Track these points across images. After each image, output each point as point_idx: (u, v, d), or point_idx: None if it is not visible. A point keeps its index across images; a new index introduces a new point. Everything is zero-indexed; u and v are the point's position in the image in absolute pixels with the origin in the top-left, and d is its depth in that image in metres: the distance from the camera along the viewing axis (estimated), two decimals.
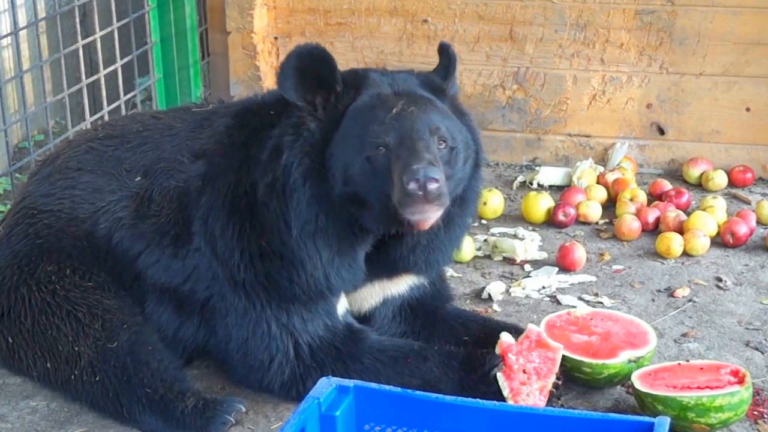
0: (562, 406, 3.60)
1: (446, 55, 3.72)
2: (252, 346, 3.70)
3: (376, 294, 3.88)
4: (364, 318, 3.91)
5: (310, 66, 3.50)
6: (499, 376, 3.53)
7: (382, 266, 3.76)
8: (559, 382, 3.60)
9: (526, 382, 3.51)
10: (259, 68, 5.73)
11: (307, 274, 3.58)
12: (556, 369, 3.57)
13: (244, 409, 3.62)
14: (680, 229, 4.82)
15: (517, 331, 3.74)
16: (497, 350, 3.58)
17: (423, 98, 3.56)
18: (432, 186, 3.28)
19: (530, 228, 5.04)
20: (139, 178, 3.90)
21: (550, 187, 5.46)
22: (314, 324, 3.68)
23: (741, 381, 3.54)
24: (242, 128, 3.74)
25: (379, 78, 3.62)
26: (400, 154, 3.36)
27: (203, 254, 3.73)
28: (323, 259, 3.57)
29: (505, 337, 3.59)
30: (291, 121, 3.56)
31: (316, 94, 3.53)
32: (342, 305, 3.79)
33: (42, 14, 5.79)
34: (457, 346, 3.77)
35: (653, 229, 4.94)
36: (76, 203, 3.93)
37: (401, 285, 3.89)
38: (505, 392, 3.50)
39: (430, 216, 3.38)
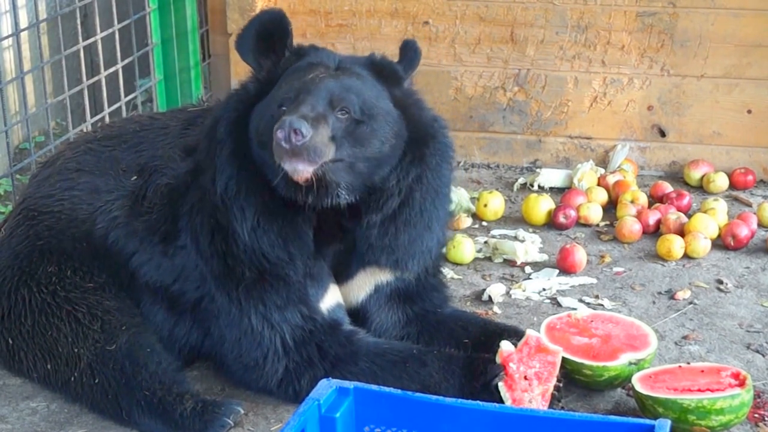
0: (562, 408, 3.60)
1: (412, 50, 3.72)
2: (244, 345, 3.71)
3: (368, 282, 3.87)
4: (361, 315, 3.90)
5: (269, 30, 3.60)
6: (501, 386, 3.51)
7: (358, 257, 3.76)
8: (560, 385, 3.60)
9: (528, 389, 3.50)
10: None
11: (239, 243, 3.58)
12: (557, 372, 3.56)
13: (242, 412, 3.61)
14: (681, 232, 4.81)
15: (517, 334, 3.73)
16: (498, 359, 3.57)
17: (351, 72, 3.60)
18: (295, 138, 3.28)
19: (531, 230, 5.03)
20: (134, 177, 3.93)
21: (551, 189, 5.45)
22: (290, 313, 3.67)
23: (742, 384, 3.53)
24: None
25: (329, 53, 3.71)
26: (290, 105, 3.44)
27: (189, 252, 3.75)
28: (249, 223, 3.57)
29: (506, 346, 3.57)
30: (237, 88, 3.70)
31: (268, 57, 3.63)
32: (333, 297, 3.78)
33: (43, 15, 5.80)
34: (457, 349, 3.76)
35: (654, 232, 4.93)
36: (75, 204, 3.94)
37: (388, 272, 3.88)
38: (507, 402, 3.47)
39: (299, 168, 3.36)
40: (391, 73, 3.67)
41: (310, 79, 3.50)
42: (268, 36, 3.61)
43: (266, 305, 3.66)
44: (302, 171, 3.36)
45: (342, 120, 3.45)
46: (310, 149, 3.32)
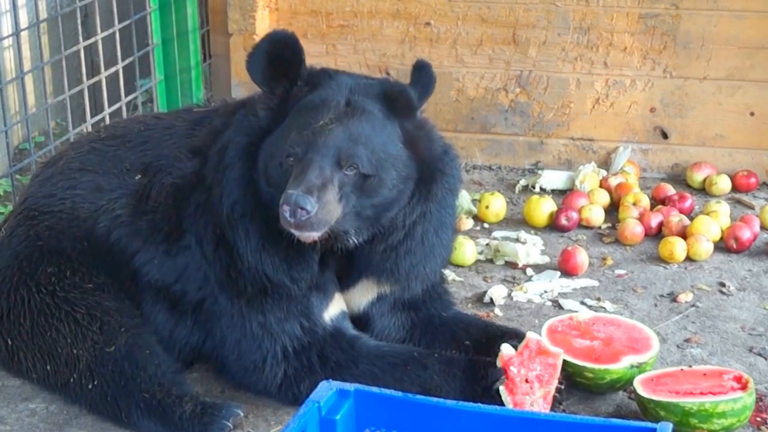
0: (564, 411, 3.58)
1: (426, 76, 3.61)
2: (244, 347, 3.70)
3: (370, 291, 3.86)
4: (364, 320, 3.89)
5: (280, 53, 3.52)
6: (502, 389, 3.50)
7: (361, 270, 3.76)
8: (562, 387, 3.58)
9: (529, 392, 3.49)
10: None
11: (243, 261, 3.58)
12: (558, 374, 3.55)
13: (242, 414, 3.60)
14: (683, 234, 4.80)
15: (518, 336, 3.71)
16: (498, 363, 3.55)
17: (363, 113, 3.52)
18: (300, 214, 3.29)
19: (532, 232, 5.02)
20: (138, 176, 3.91)
21: (553, 191, 5.44)
22: (291, 325, 3.67)
23: (744, 387, 3.52)
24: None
25: (343, 81, 3.59)
26: (294, 172, 3.39)
27: (193, 253, 3.74)
28: (253, 244, 3.57)
29: (506, 350, 3.55)
30: (249, 106, 3.64)
31: (280, 82, 3.56)
32: (337, 306, 3.77)
33: (43, 15, 5.79)
34: (459, 351, 3.75)
35: (656, 234, 4.92)
36: (77, 203, 3.93)
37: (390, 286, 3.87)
38: (509, 406, 3.45)
39: (305, 235, 3.41)
40: (405, 104, 3.58)
41: (319, 129, 3.43)
42: (280, 59, 3.54)
43: (266, 316, 3.66)
44: (308, 237, 3.41)
45: (350, 176, 3.43)
46: (315, 222, 3.33)
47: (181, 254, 3.77)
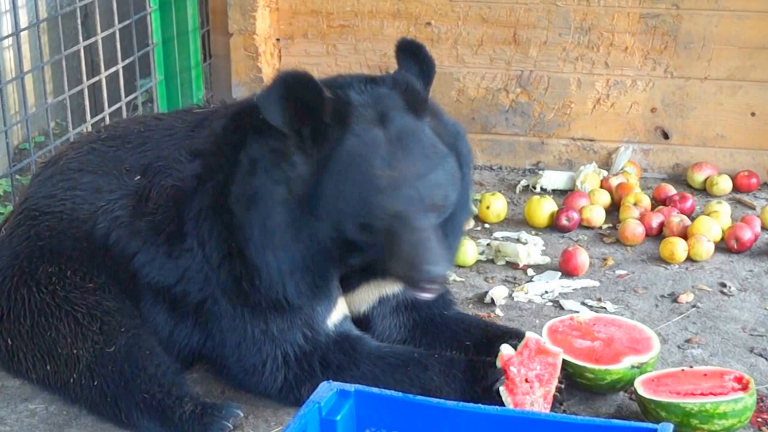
0: (564, 412, 3.58)
1: (426, 62, 3.57)
2: (244, 350, 3.69)
3: (372, 294, 3.85)
4: (365, 321, 3.88)
5: (297, 96, 3.39)
6: (502, 390, 3.49)
7: (369, 271, 3.75)
8: (562, 386, 3.58)
9: (529, 392, 3.48)
10: (261, 70, 5.71)
11: (263, 279, 3.56)
12: (558, 373, 3.55)
13: (242, 415, 3.59)
14: (684, 234, 4.80)
15: (519, 337, 3.70)
16: (498, 363, 3.54)
17: (415, 143, 3.45)
18: (440, 282, 3.38)
19: (533, 232, 5.01)
20: (138, 177, 3.89)
21: (554, 191, 5.43)
22: (293, 334, 3.66)
23: (745, 387, 3.51)
24: (236, 130, 3.71)
25: (363, 105, 3.47)
26: (403, 242, 3.35)
27: (195, 255, 3.72)
28: (283, 268, 3.54)
29: (506, 349, 3.54)
30: (271, 143, 3.51)
31: (303, 123, 3.42)
32: (340, 311, 3.76)
33: (43, 15, 5.79)
34: (460, 352, 3.75)
35: (657, 234, 4.91)
36: (77, 204, 3.92)
37: (396, 284, 3.86)
38: (509, 406, 3.45)
39: (426, 296, 3.50)
40: (422, 102, 3.54)
41: (398, 187, 3.36)
42: (299, 102, 3.39)
43: (268, 325, 3.65)
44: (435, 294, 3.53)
45: (439, 219, 3.47)
46: (445, 279, 3.50)
47: (183, 256, 3.75)
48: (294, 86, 3.38)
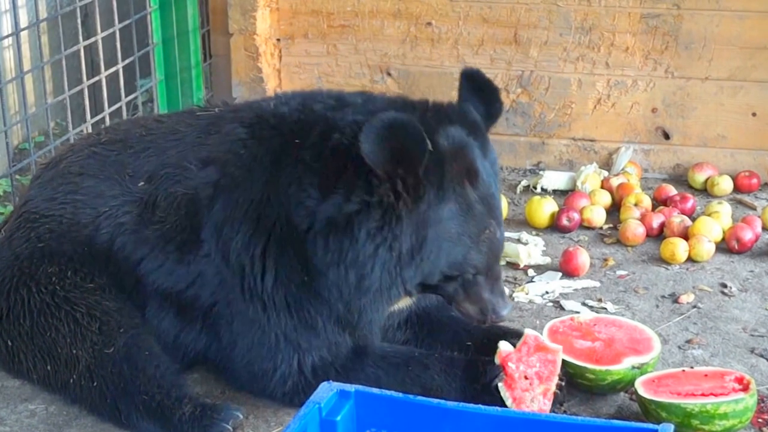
0: (565, 412, 3.58)
1: (490, 96, 3.62)
2: (256, 354, 3.67)
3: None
4: None
5: (403, 143, 3.28)
6: (501, 386, 3.49)
7: None
8: (562, 383, 3.58)
9: (529, 389, 3.49)
10: (261, 70, 5.71)
11: (334, 311, 3.59)
12: (558, 371, 3.54)
13: (241, 417, 3.58)
14: (685, 235, 4.79)
15: (519, 336, 3.70)
16: (497, 360, 3.55)
17: (497, 201, 3.59)
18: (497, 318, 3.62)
19: (534, 233, 5.01)
20: (142, 183, 3.86)
21: (554, 191, 5.43)
22: (319, 342, 3.65)
23: (746, 388, 3.51)
24: (260, 143, 3.66)
25: (452, 157, 3.41)
26: (484, 290, 3.57)
27: (212, 261, 3.68)
28: (354, 305, 3.56)
29: (504, 346, 3.55)
30: (359, 194, 3.42)
31: (398, 167, 3.33)
32: None
33: (43, 15, 5.79)
34: (461, 352, 3.75)
35: (658, 235, 4.91)
36: (77, 208, 3.90)
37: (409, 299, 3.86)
38: (508, 402, 3.46)
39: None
40: (487, 144, 3.59)
41: (491, 242, 3.54)
42: (402, 147, 3.29)
43: (299, 333, 3.64)
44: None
45: None
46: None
47: (196, 262, 3.72)
48: (401, 134, 3.27)
